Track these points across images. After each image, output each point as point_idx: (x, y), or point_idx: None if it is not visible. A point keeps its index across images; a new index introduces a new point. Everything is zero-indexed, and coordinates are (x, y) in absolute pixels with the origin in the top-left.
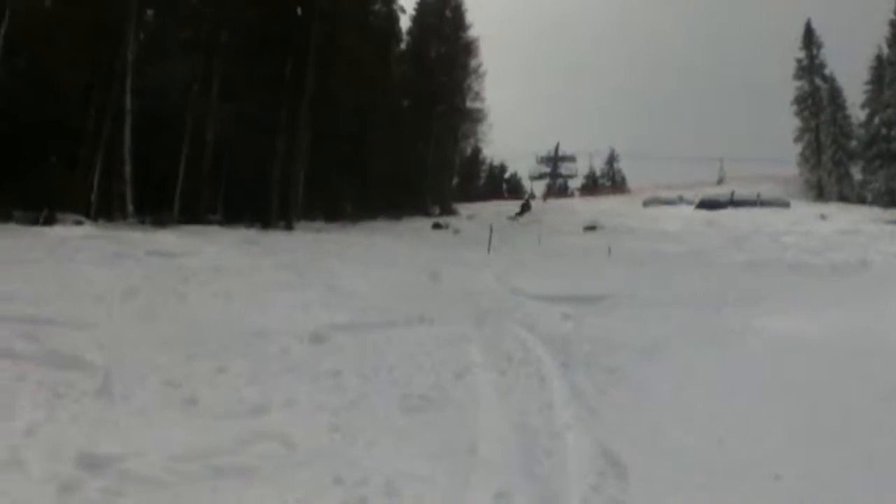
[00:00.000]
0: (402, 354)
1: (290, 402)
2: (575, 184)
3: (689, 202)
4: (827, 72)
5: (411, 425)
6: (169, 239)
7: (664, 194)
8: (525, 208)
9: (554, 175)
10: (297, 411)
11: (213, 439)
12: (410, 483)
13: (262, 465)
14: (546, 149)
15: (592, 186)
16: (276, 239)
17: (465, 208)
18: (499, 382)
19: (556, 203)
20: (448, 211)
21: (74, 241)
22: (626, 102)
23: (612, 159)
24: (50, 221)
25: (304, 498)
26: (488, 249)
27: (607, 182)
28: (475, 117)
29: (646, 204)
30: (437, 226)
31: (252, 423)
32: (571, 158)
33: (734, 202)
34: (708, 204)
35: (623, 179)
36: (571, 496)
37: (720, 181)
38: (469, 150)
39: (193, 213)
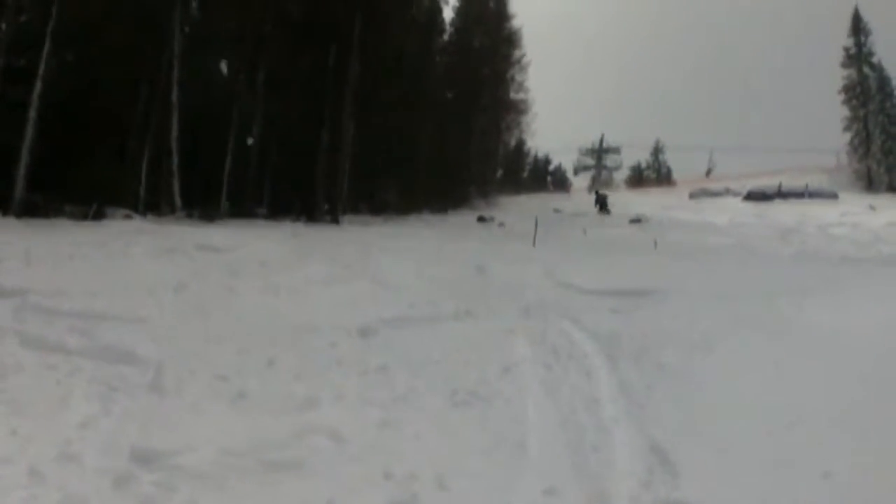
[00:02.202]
0: (449, 349)
1: (339, 396)
2: (620, 176)
3: (736, 194)
4: (875, 60)
5: (460, 420)
6: (217, 233)
7: (711, 186)
8: (602, 202)
9: (598, 167)
10: (345, 405)
11: (263, 433)
12: (460, 478)
13: (311, 458)
14: (591, 141)
15: (638, 178)
16: (322, 233)
17: (509, 201)
18: (546, 377)
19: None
20: (493, 204)
21: (125, 236)
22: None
23: (657, 151)
24: (99, 216)
25: (354, 492)
26: (534, 242)
27: (653, 174)
28: (519, 109)
29: (692, 196)
30: (481, 219)
31: (302, 417)
32: (616, 150)
33: (782, 194)
34: (755, 196)
35: (669, 171)
36: (620, 492)
37: (780, 174)
38: (513, 142)
39: (240, 207)
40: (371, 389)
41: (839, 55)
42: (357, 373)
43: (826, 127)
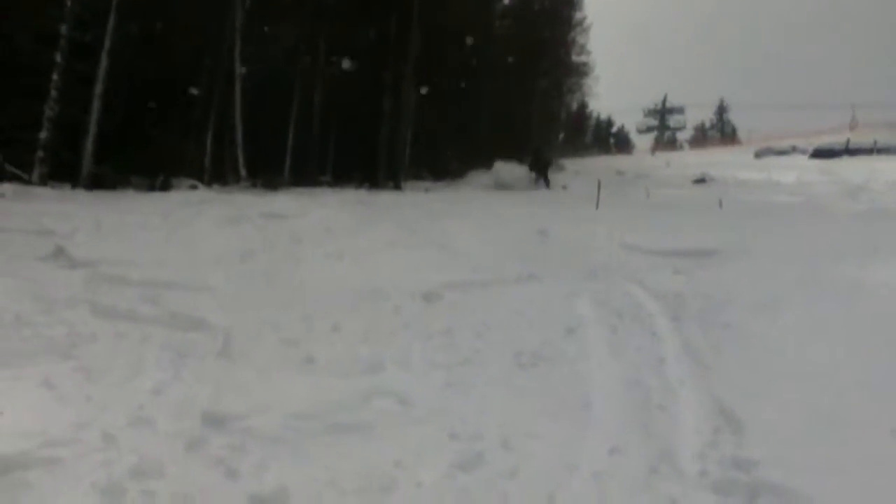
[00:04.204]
0: (513, 311)
1: (405, 359)
2: (684, 136)
3: (803, 152)
4: None
5: (524, 381)
6: (281, 201)
7: (776, 144)
8: (539, 165)
9: (662, 128)
10: (411, 368)
11: (330, 397)
12: (525, 438)
13: (378, 421)
14: (653, 101)
15: (702, 138)
16: (385, 198)
17: (572, 164)
18: (610, 338)
19: (664, 156)
20: (555, 167)
21: (191, 206)
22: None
23: (721, 110)
24: (166, 187)
25: (421, 453)
26: (596, 204)
27: (717, 133)
28: (581, 71)
29: (757, 155)
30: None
31: (368, 381)
32: (679, 110)
33: (849, 151)
34: (822, 153)
35: (733, 130)
36: (686, 452)
37: (852, 128)
38: (575, 105)
39: (303, 175)
40: (436, 352)
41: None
42: (422, 336)
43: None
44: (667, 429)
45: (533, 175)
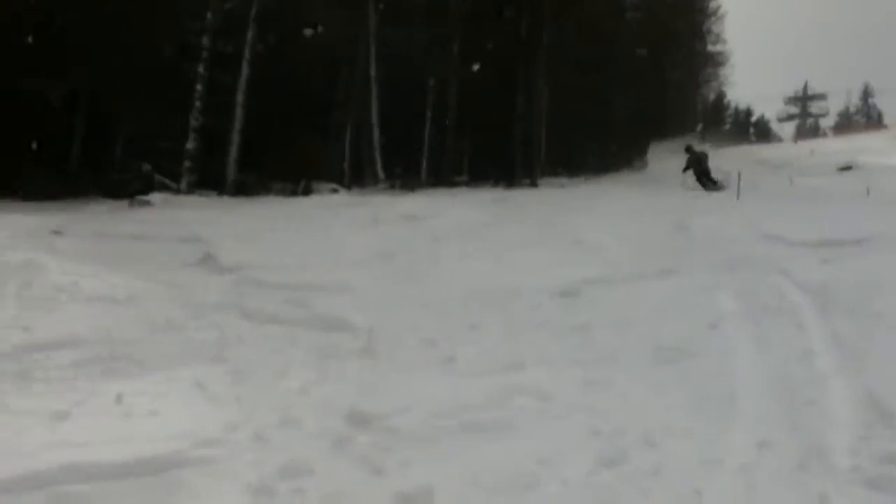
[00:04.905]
0: (652, 306)
1: (544, 356)
2: (827, 123)
3: None
4: None
5: (666, 377)
6: (419, 202)
7: None
8: (699, 167)
9: (804, 115)
10: (550, 366)
11: (471, 395)
12: (668, 435)
13: (519, 419)
14: (794, 88)
15: (846, 125)
16: (520, 196)
17: (711, 155)
18: (754, 331)
19: (807, 144)
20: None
21: (331, 209)
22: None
23: (866, 94)
24: (307, 191)
25: (563, 451)
26: (737, 195)
27: (862, 119)
28: (716, 61)
29: None
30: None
31: (508, 379)
32: (822, 97)
33: None
34: None
35: (880, 115)
36: (838, 445)
37: None
38: (712, 96)
39: (440, 176)
40: (575, 349)
41: None
42: (560, 333)
43: None
44: (816, 423)
45: (692, 180)
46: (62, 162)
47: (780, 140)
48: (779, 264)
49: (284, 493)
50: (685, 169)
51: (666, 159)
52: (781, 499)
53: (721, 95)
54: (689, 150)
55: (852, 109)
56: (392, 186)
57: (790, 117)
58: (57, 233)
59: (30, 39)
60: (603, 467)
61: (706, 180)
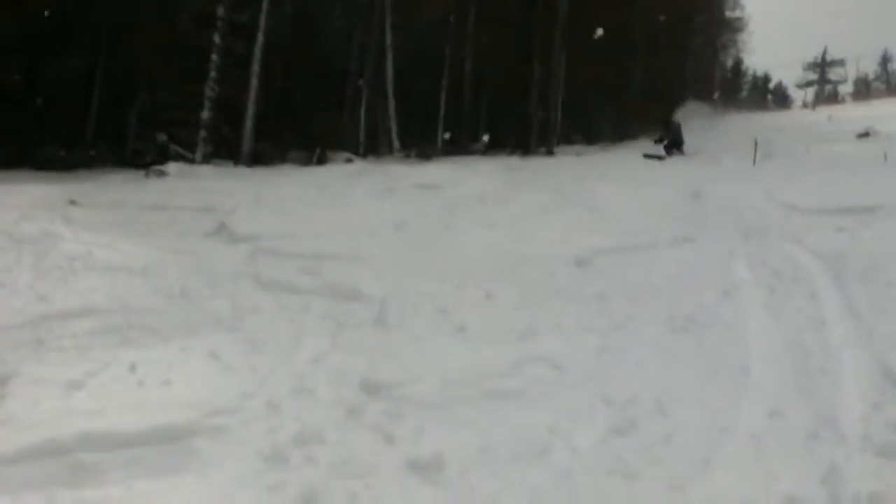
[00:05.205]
0: (667, 275)
1: (558, 325)
2: (845, 89)
3: None
4: None
5: (679, 346)
6: (434, 171)
7: None
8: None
9: (822, 82)
10: (564, 334)
11: (484, 364)
12: (680, 403)
13: (532, 387)
14: (813, 54)
15: (865, 91)
16: (536, 165)
17: (728, 121)
18: (768, 300)
19: (825, 110)
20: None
21: (346, 178)
22: None
23: (885, 60)
24: (323, 160)
25: (575, 419)
26: (753, 162)
27: (882, 85)
28: (735, 27)
29: None
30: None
31: (521, 347)
32: (840, 63)
33: None
34: None
35: None
36: (849, 414)
37: None
38: (730, 62)
39: (456, 144)
40: (589, 318)
41: None
42: (575, 302)
43: None
44: (828, 392)
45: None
46: (79, 133)
47: (799, 107)
48: (794, 232)
49: (297, 460)
50: (658, 140)
51: (686, 128)
52: (792, 467)
53: (739, 62)
54: (665, 122)
55: (871, 76)
56: (407, 155)
57: (808, 84)
58: (73, 203)
59: (47, 13)
60: (615, 435)
61: (675, 149)
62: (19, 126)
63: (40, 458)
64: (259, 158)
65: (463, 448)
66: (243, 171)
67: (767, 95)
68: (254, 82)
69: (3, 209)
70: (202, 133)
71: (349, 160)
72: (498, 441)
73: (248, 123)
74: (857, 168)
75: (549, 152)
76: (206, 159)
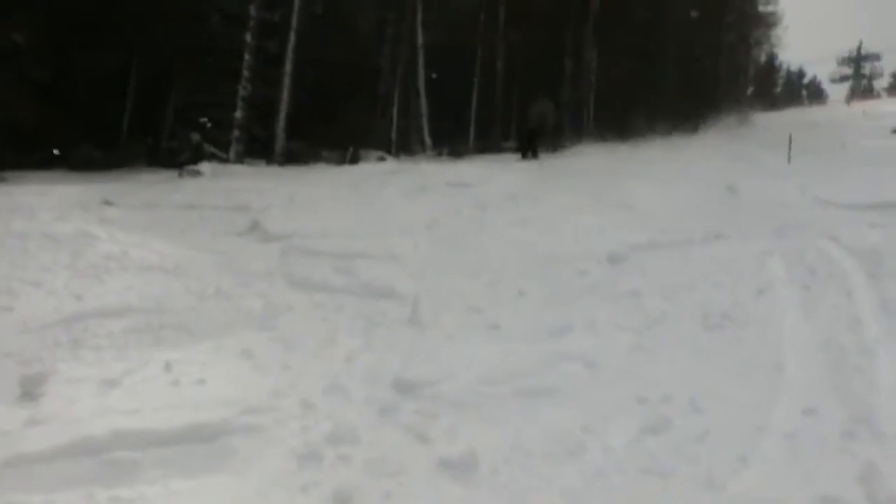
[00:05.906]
0: (701, 272)
1: (591, 323)
2: (881, 84)
3: None
4: None
5: (713, 343)
6: (466, 169)
7: None
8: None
9: (857, 76)
10: (597, 332)
11: (517, 362)
12: (714, 401)
13: (565, 385)
14: (848, 49)
15: None
16: (568, 161)
17: (762, 117)
18: (803, 298)
19: (860, 105)
20: (745, 121)
21: (379, 177)
22: None
23: None
24: (355, 159)
25: (609, 417)
26: (788, 158)
27: None
28: (768, 22)
29: None
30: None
31: (554, 345)
32: (876, 57)
33: None
34: None
35: None
36: (886, 413)
37: None
38: (763, 57)
39: (488, 142)
40: (622, 315)
41: None
42: (608, 299)
43: None
44: (864, 390)
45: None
46: (113, 133)
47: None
48: (829, 229)
49: (331, 459)
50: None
51: (718, 123)
52: (828, 466)
53: (772, 57)
54: (537, 99)
55: None
56: (439, 154)
57: (843, 78)
58: (107, 203)
59: (83, 11)
60: (648, 434)
61: (533, 146)
62: (55, 126)
63: (76, 456)
64: (292, 157)
65: (496, 447)
66: (276, 171)
67: (802, 91)
68: (286, 81)
69: (39, 209)
70: (235, 132)
71: (382, 159)
72: (531, 439)
73: (281, 123)
74: (892, 163)
75: (581, 149)
76: (240, 158)
